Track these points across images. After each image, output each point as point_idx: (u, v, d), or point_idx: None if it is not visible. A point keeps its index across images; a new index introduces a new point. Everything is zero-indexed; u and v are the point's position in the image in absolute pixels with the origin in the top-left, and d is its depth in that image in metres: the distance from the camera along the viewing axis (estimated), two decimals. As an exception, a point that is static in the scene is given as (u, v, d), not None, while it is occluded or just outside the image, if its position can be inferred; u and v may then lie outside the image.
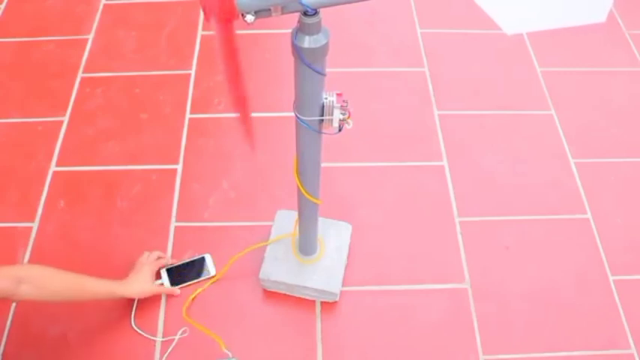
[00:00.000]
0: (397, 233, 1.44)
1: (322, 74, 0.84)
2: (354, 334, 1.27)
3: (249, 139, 0.87)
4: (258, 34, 1.84)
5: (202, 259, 1.34)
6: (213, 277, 1.32)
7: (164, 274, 1.31)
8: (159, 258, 1.32)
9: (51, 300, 1.10)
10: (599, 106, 1.73)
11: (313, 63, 0.80)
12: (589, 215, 1.48)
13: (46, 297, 1.07)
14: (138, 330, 1.25)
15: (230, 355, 1.21)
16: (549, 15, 0.69)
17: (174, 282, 1.30)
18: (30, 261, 1.36)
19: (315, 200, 1.10)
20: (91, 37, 1.86)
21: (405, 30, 1.91)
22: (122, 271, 1.32)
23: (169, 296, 1.30)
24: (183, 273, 1.32)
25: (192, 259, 1.35)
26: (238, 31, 0.69)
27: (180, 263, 1.33)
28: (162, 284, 1.29)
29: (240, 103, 0.81)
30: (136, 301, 1.28)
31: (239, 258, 1.33)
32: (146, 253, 1.31)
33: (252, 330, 1.27)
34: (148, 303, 1.29)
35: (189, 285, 1.31)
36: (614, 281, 1.37)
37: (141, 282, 1.24)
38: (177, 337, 1.24)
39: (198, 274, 1.32)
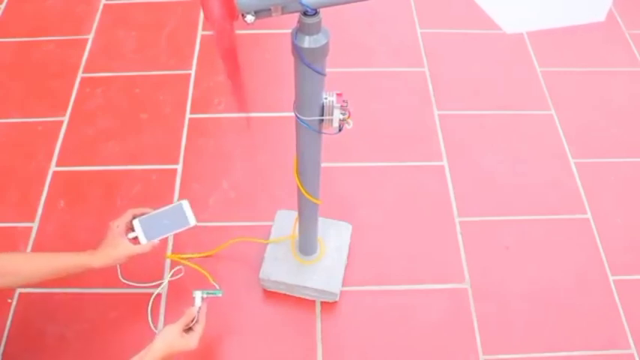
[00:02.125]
0: (397, 233, 1.44)
1: (322, 74, 0.84)
2: (354, 334, 1.27)
3: (249, 131, 0.87)
4: (258, 34, 1.84)
5: (179, 207, 1.18)
6: (192, 227, 1.18)
7: (137, 225, 1.15)
8: (134, 217, 1.17)
9: (23, 285, 1.07)
10: (599, 106, 1.73)
11: (313, 63, 0.80)
12: (589, 215, 1.48)
13: (18, 283, 1.05)
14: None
15: (217, 287, 1.25)
16: (549, 14, 0.69)
17: (149, 234, 1.15)
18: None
19: (315, 200, 1.10)
20: (91, 37, 1.86)
21: (405, 30, 1.91)
22: (122, 270, 1.32)
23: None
24: (159, 223, 1.17)
25: (167, 207, 1.19)
26: (238, 31, 0.69)
27: (154, 213, 1.17)
28: (135, 237, 1.14)
29: (241, 102, 0.81)
30: (118, 266, 1.28)
31: (237, 256, 1.33)
32: (116, 221, 1.15)
33: (252, 330, 1.27)
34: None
35: (168, 236, 1.19)
36: (614, 281, 1.37)
37: (112, 249, 1.10)
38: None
39: (177, 225, 1.17)
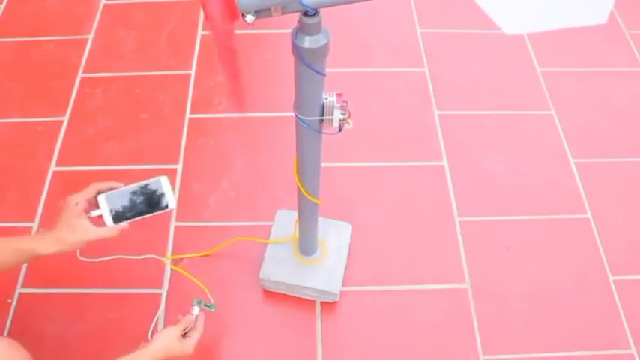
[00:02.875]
0: (397, 233, 1.44)
1: (322, 74, 0.84)
2: (354, 334, 1.27)
3: (247, 130, 0.85)
4: (258, 34, 1.84)
5: (157, 184, 0.99)
6: (170, 210, 1.00)
7: (103, 202, 0.95)
8: (99, 193, 0.97)
9: None
10: (599, 106, 1.73)
11: (313, 63, 0.80)
12: (589, 215, 1.48)
13: None
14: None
15: (212, 300, 1.20)
16: (549, 16, 0.69)
17: (117, 215, 0.96)
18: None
19: (315, 200, 1.10)
20: (91, 37, 1.86)
21: (405, 30, 1.91)
22: (122, 270, 1.32)
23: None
24: (130, 203, 0.97)
25: (142, 182, 0.99)
26: (238, 31, 0.69)
27: (125, 188, 0.98)
28: (100, 216, 0.95)
29: (239, 101, 0.81)
30: (78, 252, 1.24)
31: (237, 256, 1.33)
32: (75, 196, 0.94)
33: (252, 330, 1.27)
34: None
35: (141, 219, 0.98)
36: (614, 281, 1.37)
37: (68, 232, 0.91)
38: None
39: (152, 206, 0.98)
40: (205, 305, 1.16)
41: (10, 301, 1.30)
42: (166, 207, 0.99)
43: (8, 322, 1.27)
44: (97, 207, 0.95)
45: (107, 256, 1.32)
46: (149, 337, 1.23)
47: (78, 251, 1.27)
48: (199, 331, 1.09)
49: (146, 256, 1.35)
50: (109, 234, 0.94)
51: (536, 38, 1.89)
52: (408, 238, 1.43)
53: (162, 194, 0.99)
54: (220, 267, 1.35)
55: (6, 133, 1.62)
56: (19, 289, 1.32)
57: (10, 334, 1.25)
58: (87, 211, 0.94)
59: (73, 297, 1.31)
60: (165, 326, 1.26)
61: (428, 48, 1.86)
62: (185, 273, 1.33)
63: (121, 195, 0.97)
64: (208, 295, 1.30)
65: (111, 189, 0.97)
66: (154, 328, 1.26)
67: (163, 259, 1.35)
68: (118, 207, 0.96)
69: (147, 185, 0.99)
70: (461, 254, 1.40)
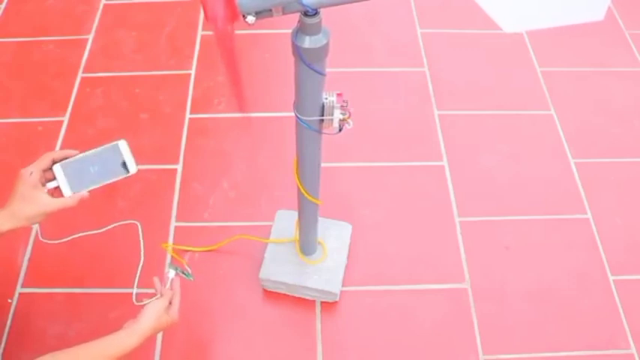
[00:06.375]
0: (397, 233, 1.44)
1: (322, 74, 0.84)
2: (354, 334, 1.28)
3: (249, 130, 0.85)
4: (258, 34, 1.84)
5: (115, 149, 0.95)
6: (131, 175, 0.95)
7: (59, 172, 0.91)
8: (54, 162, 0.92)
9: None
10: (599, 106, 1.73)
11: (313, 63, 0.80)
12: (589, 215, 1.48)
13: None
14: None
15: (189, 270, 1.12)
16: (547, 13, 0.69)
17: (75, 184, 0.92)
18: (30, 261, 1.36)
19: (315, 201, 1.10)
20: (91, 37, 1.86)
21: (405, 30, 1.91)
22: (122, 270, 1.32)
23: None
24: (88, 170, 0.94)
25: (99, 148, 0.95)
26: (238, 31, 0.69)
27: (81, 156, 0.94)
28: (56, 188, 0.91)
29: (240, 101, 0.81)
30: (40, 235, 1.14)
31: (238, 256, 1.33)
32: (29, 168, 0.90)
33: (252, 330, 1.27)
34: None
35: (100, 187, 0.94)
36: (614, 281, 1.37)
37: (24, 205, 0.87)
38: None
39: (111, 172, 0.94)
40: (183, 273, 1.08)
41: (10, 301, 1.30)
42: (127, 172, 0.95)
43: (8, 322, 1.27)
44: (53, 178, 0.91)
45: (70, 235, 1.24)
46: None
47: (39, 232, 1.16)
48: (178, 296, 1.03)
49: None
50: (67, 204, 0.90)
51: (536, 38, 1.89)
52: (408, 238, 1.43)
53: (122, 159, 0.95)
54: (220, 267, 1.35)
55: (6, 133, 1.62)
56: (19, 289, 1.32)
57: (10, 334, 1.25)
58: (42, 182, 0.89)
59: (73, 297, 1.31)
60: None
61: (428, 48, 1.86)
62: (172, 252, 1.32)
63: (78, 163, 0.93)
64: (185, 265, 1.23)
65: (65, 157, 0.92)
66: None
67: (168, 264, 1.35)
68: (75, 175, 0.92)
69: (104, 151, 0.95)
70: (461, 254, 1.40)
